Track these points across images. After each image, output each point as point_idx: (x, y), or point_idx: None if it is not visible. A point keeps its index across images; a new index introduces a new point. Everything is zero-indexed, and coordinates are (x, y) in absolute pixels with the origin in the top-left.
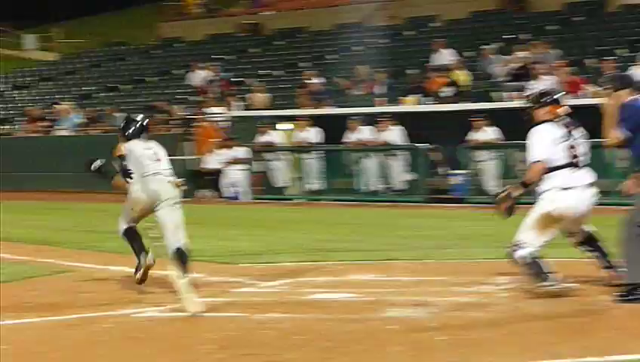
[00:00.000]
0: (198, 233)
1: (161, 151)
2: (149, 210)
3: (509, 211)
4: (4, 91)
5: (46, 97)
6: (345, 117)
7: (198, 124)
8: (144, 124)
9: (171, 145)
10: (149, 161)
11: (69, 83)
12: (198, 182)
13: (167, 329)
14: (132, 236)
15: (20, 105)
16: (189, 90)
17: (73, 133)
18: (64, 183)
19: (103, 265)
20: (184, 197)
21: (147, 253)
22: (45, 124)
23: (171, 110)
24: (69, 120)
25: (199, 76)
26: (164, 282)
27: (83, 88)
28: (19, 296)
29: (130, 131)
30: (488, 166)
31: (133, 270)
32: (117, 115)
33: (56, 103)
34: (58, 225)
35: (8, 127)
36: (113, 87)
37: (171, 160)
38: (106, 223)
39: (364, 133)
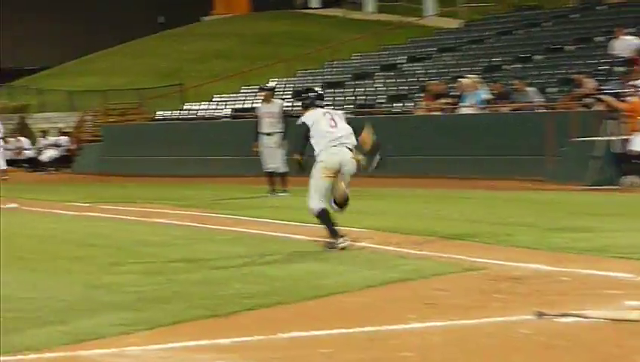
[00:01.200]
0: (623, 226)
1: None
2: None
3: None
4: (400, 64)
5: (447, 70)
6: None
7: (626, 99)
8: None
9: (593, 124)
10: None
11: (474, 53)
12: (624, 166)
13: (593, 337)
14: (327, 217)
15: (417, 79)
16: (614, 60)
17: (480, 111)
18: (456, 167)
19: (516, 262)
20: (609, 184)
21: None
22: (447, 100)
23: (592, 83)
24: (475, 95)
25: (625, 43)
26: (590, 284)
27: (490, 59)
28: (425, 295)
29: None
30: None
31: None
32: (529, 89)
33: (460, 77)
34: (458, 216)
35: (403, 104)
36: (525, 57)
37: (593, 140)
38: (516, 214)
39: None
